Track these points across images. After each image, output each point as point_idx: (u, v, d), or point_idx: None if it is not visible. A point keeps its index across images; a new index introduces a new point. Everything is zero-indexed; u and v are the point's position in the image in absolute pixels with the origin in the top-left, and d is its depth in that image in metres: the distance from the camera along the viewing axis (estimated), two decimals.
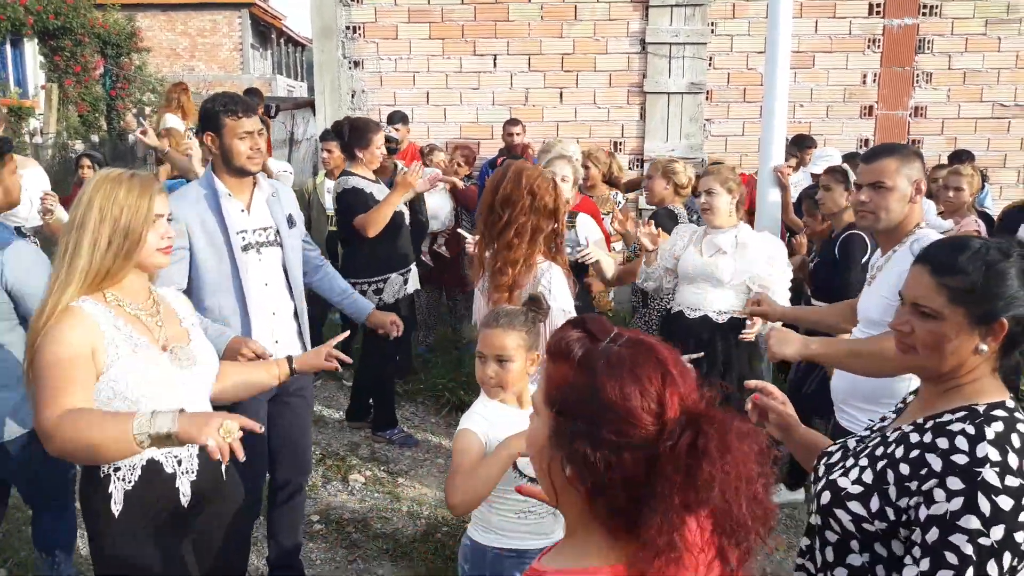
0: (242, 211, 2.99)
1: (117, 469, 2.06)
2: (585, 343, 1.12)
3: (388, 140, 6.01)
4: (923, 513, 1.43)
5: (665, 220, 4.57)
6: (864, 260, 3.95)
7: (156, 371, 2.07)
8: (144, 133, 5.28)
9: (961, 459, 1.44)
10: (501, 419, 2.35)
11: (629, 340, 1.13)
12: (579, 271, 4.03)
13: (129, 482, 2.07)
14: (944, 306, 1.54)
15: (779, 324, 3.20)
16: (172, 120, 7.07)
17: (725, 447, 1.04)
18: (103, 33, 14.51)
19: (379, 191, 4.73)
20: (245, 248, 2.96)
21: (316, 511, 4.11)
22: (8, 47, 13.95)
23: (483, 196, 3.01)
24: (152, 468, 2.10)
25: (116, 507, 2.06)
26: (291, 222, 3.14)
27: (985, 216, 5.36)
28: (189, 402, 2.14)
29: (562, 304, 2.84)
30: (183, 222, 2.83)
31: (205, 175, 3.02)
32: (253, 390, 2.52)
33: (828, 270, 4.15)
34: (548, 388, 1.14)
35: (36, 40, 14.08)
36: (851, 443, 1.74)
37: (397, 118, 6.91)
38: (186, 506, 2.15)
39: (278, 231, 3.08)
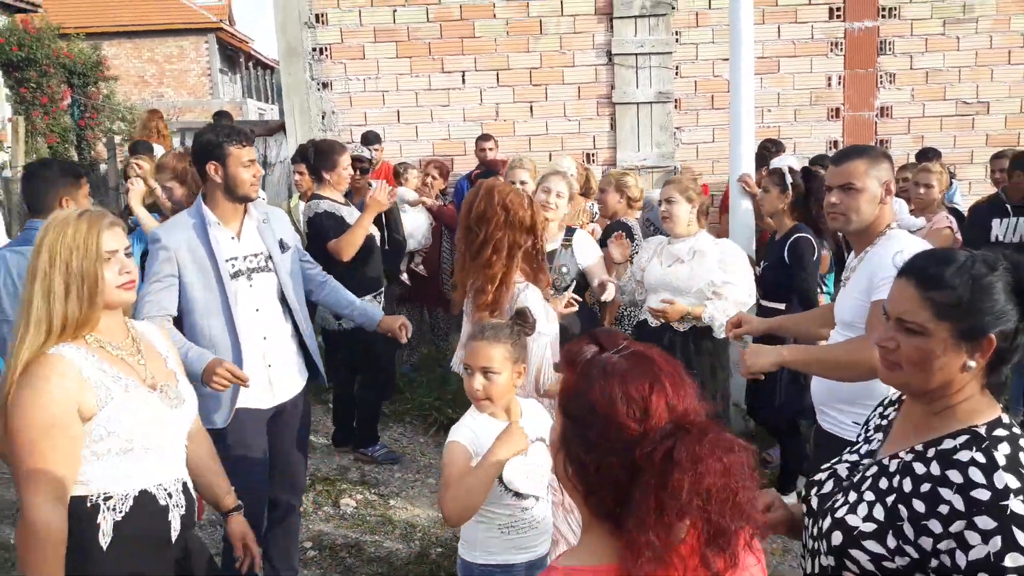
0: (232, 238, 3.02)
1: (108, 498, 2.01)
2: (591, 353, 1.20)
3: (360, 160, 6.02)
4: (962, 559, 1.38)
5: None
6: (815, 258, 4.04)
7: (147, 410, 2.06)
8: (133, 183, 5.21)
9: (982, 494, 1.39)
10: (489, 431, 2.39)
11: (630, 351, 1.19)
12: (579, 290, 4.08)
13: (120, 512, 2.02)
14: (929, 321, 1.49)
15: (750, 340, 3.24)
16: (160, 151, 7.05)
17: (697, 457, 1.09)
18: (68, 63, 14.38)
19: (349, 213, 4.72)
20: (235, 275, 2.99)
21: (308, 537, 4.11)
22: None
23: (460, 218, 3.05)
24: (144, 499, 2.06)
25: (104, 539, 2.00)
26: (283, 246, 3.16)
27: (955, 212, 5.46)
28: (175, 441, 2.16)
29: (539, 327, 2.84)
30: (172, 250, 2.89)
31: (195, 205, 3.05)
32: (205, 491, 2.42)
33: (776, 273, 4.20)
34: (559, 393, 1.24)
35: (0, 72, 13.95)
36: (841, 470, 1.69)
37: (372, 138, 6.93)
38: (172, 541, 2.13)
39: (270, 256, 3.10)
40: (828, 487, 1.68)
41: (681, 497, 1.07)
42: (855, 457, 1.71)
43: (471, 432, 2.39)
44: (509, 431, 2.31)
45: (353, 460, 5.09)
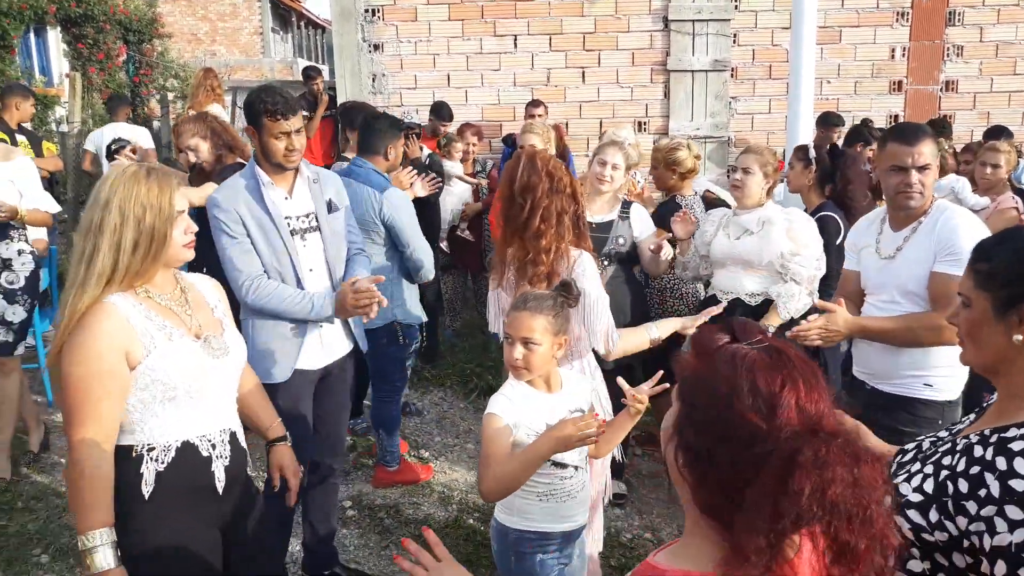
0: (285, 198, 3.03)
1: (151, 449, 2.04)
2: (723, 341, 1.15)
3: (412, 127, 5.99)
4: (987, 543, 1.38)
5: (672, 212, 4.42)
6: (840, 239, 3.90)
7: (191, 359, 2.08)
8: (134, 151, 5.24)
9: (1019, 485, 1.38)
10: (527, 402, 2.40)
11: (766, 344, 1.12)
12: (631, 261, 4.02)
13: (162, 463, 2.06)
14: (971, 291, 1.53)
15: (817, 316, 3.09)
16: (217, 109, 7.13)
17: (823, 461, 1.00)
18: (125, 20, 14.55)
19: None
20: (292, 233, 3.01)
21: (348, 497, 4.15)
22: (32, 36, 14.03)
23: (500, 191, 3.01)
24: (187, 450, 2.09)
25: (147, 488, 2.04)
26: (331, 207, 3.15)
27: (1021, 192, 5.26)
28: (219, 390, 2.18)
29: (596, 292, 2.87)
30: (235, 211, 2.91)
31: (248, 165, 3.08)
32: (251, 421, 2.48)
33: None
34: (680, 379, 1.18)
35: (59, 28, 14.16)
36: (925, 443, 1.70)
37: (444, 115, 6.76)
38: (220, 492, 2.16)
39: (318, 216, 3.10)
40: (909, 455, 1.70)
41: (801, 502, 0.98)
42: (944, 433, 1.71)
43: (509, 403, 2.38)
44: (562, 428, 2.22)
45: None
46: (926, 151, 2.72)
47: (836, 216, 3.99)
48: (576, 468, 2.47)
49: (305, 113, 7.24)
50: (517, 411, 2.37)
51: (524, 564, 2.49)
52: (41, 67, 14.32)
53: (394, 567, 3.63)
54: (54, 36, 14.34)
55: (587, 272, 2.89)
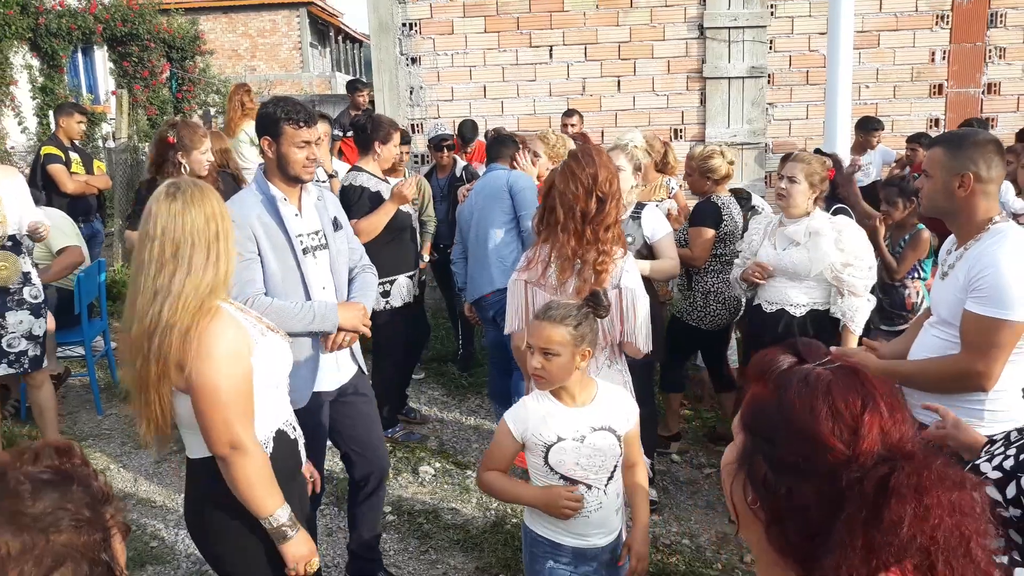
0: (296, 215, 2.98)
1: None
2: (791, 364, 1.06)
3: (444, 139, 6.07)
4: None
5: (707, 211, 4.40)
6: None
7: (280, 350, 2.25)
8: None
9: None
10: (543, 413, 2.41)
11: (839, 365, 1.04)
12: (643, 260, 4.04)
13: (267, 453, 2.19)
14: None
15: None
16: (251, 128, 7.26)
17: (922, 487, 0.91)
18: (168, 38, 14.92)
19: (386, 190, 4.64)
20: (304, 251, 2.96)
21: (388, 502, 4.20)
22: (80, 55, 14.45)
23: (570, 187, 2.94)
24: (281, 438, 2.25)
25: None
26: (336, 225, 3.13)
27: None
28: (286, 377, 2.32)
29: (641, 290, 2.96)
30: (248, 227, 2.81)
31: (257, 180, 2.98)
32: None
33: None
34: (744, 408, 1.09)
35: (105, 48, 14.55)
36: (1013, 434, 1.71)
37: (468, 135, 6.82)
38: (302, 469, 2.36)
39: (326, 234, 3.08)
40: (996, 444, 1.72)
41: (900, 533, 0.89)
42: None
43: (523, 410, 2.44)
44: (553, 494, 2.39)
45: (431, 429, 5.18)
46: (928, 157, 2.60)
47: (846, 207, 4.04)
48: (589, 487, 2.42)
49: (337, 133, 7.38)
50: (529, 420, 2.41)
51: (536, 567, 2.52)
52: (88, 85, 14.73)
53: (433, 572, 3.67)
54: (101, 55, 14.75)
55: (633, 270, 2.94)
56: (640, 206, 4.04)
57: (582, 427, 2.40)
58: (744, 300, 4.35)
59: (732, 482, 1.07)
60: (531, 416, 2.41)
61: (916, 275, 4.60)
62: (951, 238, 2.79)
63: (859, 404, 0.97)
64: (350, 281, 3.20)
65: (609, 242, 2.90)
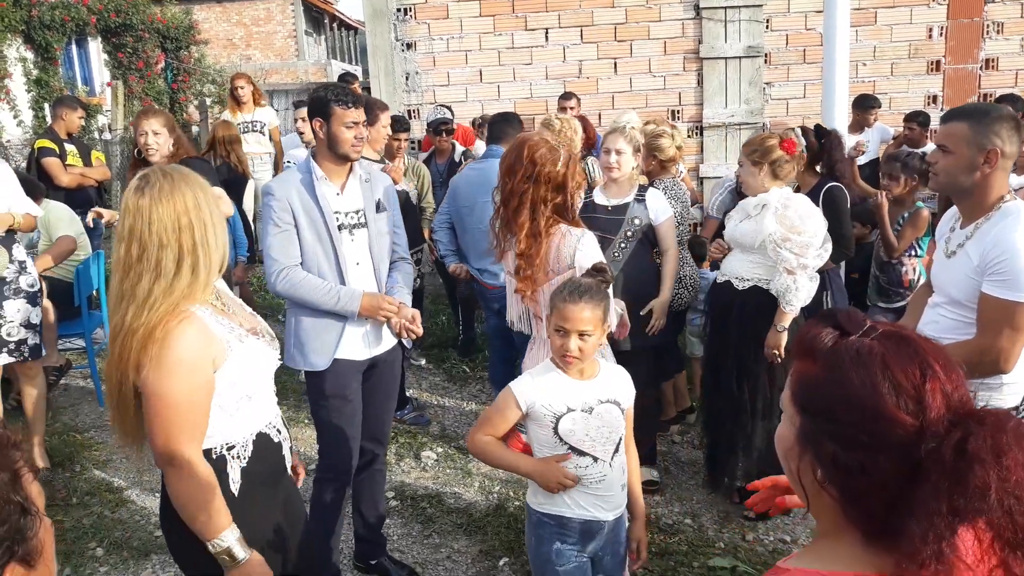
0: (337, 194, 3.14)
1: (231, 447, 2.06)
2: (833, 338, 1.05)
3: (444, 122, 6.05)
4: None
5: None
6: (848, 206, 4.00)
7: (260, 356, 2.12)
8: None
9: None
10: (552, 385, 2.43)
11: (883, 332, 1.04)
12: (650, 246, 4.02)
13: (244, 459, 2.09)
14: None
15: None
16: (265, 114, 7.44)
17: (1000, 449, 0.92)
18: (162, 28, 14.86)
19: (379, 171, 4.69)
20: (339, 228, 3.12)
21: (391, 488, 4.22)
22: (74, 47, 14.39)
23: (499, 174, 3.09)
24: (262, 440, 2.13)
25: (235, 486, 2.06)
26: (379, 207, 3.24)
27: None
28: (272, 374, 2.23)
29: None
30: (286, 200, 3.03)
31: (304, 160, 3.19)
32: None
33: None
34: (794, 386, 1.08)
35: (99, 39, 14.49)
36: None
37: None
38: (287, 471, 2.27)
39: (366, 214, 3.19)
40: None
41: (989, 497, 0.91)
42: None
43: (530, 381, 2.46)
44: (551, 467, 2.41)
45: (432, 414, 5.19)
46: (947, 132, 2.52)
47: (840, 184, 4.01)
48: (595, 460, 2.44)
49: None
50: (537, 391, 2.43)
51: (542, 549, 2.52)
52: (83, 77, 14.67)
53: (437, 556, 3.69)
54: (95, 47, 14.69)
55: (587, 251, 2.92)
56: (644, 188, 4.04)
57: (589, 399, 2.43)
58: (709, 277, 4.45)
59: (798, 464, 1.06)
60: (539, 387, 2.43)
61: (913, 252, 4.60)
62: (949, 214, 2.76)
63: (918, 373, 0.98)
64: (390, 271, 3.32)
65: (517, 229, 2.96)
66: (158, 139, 4.22)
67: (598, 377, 2.49)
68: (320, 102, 3.07)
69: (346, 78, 8.98)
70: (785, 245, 3.49)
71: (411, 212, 4.92)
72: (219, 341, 1.98)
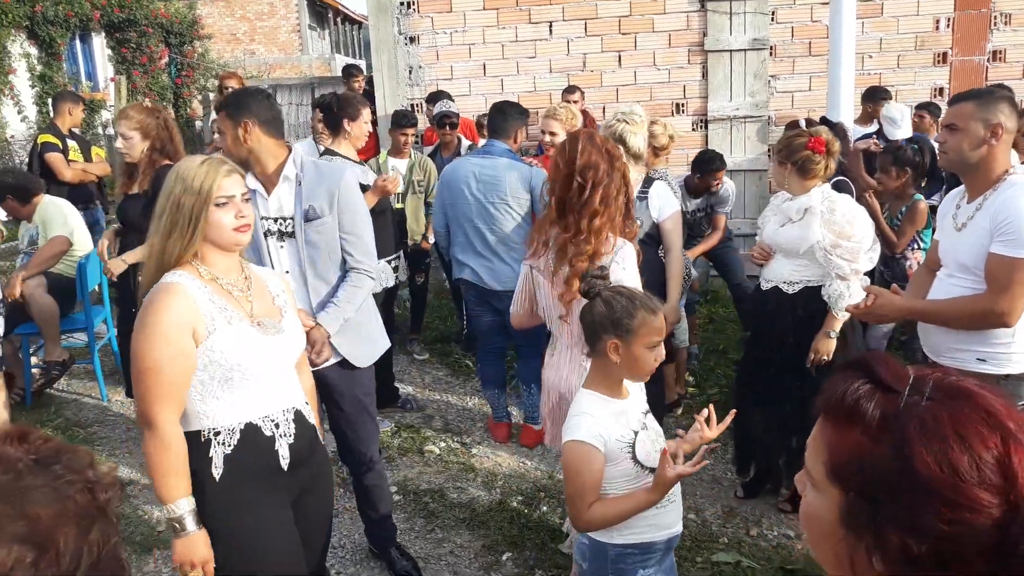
0: (263, 198, 2.94)
1: (217, 433, 2.14)
2: (879, 400, 0.88)
3: (448, 116, 6.02)
4: None
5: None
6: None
7: (246, 341, 2.15)
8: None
9: None
10: (614, 413, 2.29)
11: (939, 388, 0.88)
12: (655, 244, 3.95)
13: (229, 446, 2.15)
14: None
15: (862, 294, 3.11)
16: None
17: None
18: (166, 23, 14.86)
19: (363, 172, 4.49)
20: (266, 235, 2.97)
21: (394, 482, 4.20)
22: (78, 43, 14.38)
23: (555, 168, 2.97)
24: (251, 432, 2.18)
25: (217, 471, 2.14)
26: (310, 214, 2.95)
27: None
28: (276, 369, 2.23)
29: (633, 285, 2.80)
30: None
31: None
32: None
33: None
34: (833, 458, 0.91)
35: (103, 34, 14.49)
36: None
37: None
38: (286, 468, 2.24)
39: (295, 222, 2.97)
40: None
41: None
42: None
43: (592, 420, 2.25)
44: (664, 477, 2.17)
45: (436, 409, 5.17)
46: (955, 111, 2.70)
47: (847, 179, 3.97)
48: (653, 471, 2.31)
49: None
50: (604, 427, 2.24)
51: None
52: (87, 72, 14.67)
53: (440, 551, 3.67)
54: (99, 42, 14.68)
55: (626, 263, 2.87)
56: (648, 182, 3.94)
57: (638, 414, 2.35)
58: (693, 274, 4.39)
59: (846, 552, 0.89)
60: (603, 422, 2.25)
61: (916, 246, 4.56)
62: (953, 193, 2.92)
63: (997, 441, 0.83)
64: (340, 282, 3.07)
65: (592, 232, 2.84)
66: (128, 143, 4.19)
67: (631, 391, 2.39)
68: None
69: (350, 70, 8.96)
70: (836, 252, 3.37)
71: (386, 219, 4.65)
72: (202, 316, 2.08)
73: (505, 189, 4.30)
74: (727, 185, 5.34)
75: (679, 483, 2.32)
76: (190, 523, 2.09)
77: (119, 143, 4.19)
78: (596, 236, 2.83)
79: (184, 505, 2.09)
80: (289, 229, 2.97)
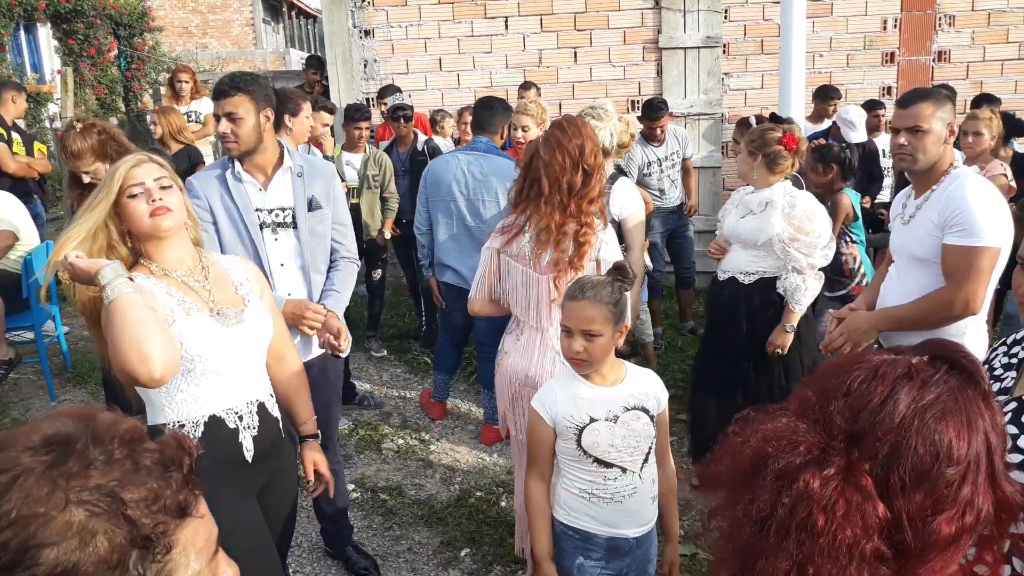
0: (259, 190, 2.97)
1: (181, 426, 2.12)
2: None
3: (402, 108, 5.98)
4: None
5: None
6: None
7: (205, 332, 2.14)
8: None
9: None
10: (575, 394, 2.32)
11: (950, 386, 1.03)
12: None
13: (193, 439, 2.10)
14: None
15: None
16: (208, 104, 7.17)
17: None
18: (115, 14, 14.49)
19: None
20: (261, 227, 2.97)
21: (351, 480, 4.18)
22: (22, 33, 13.98)
23: (552, 156, 2.92)
24: (214, 424, 2.17)
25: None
26: (313, 204, 3.05)
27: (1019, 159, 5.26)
28: (239, 360, 2.21)
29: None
30: (204, 198, 2.91)
31: (225, 155, 3.03)
32: (287, 412, 2.52)
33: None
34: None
35: (49, 25, 14.10)
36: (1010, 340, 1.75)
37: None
38: (250, 461, 2.23)
39: (295, 213, 3.01)
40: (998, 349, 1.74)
41: None
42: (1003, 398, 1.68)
43: (551, 393, 2.36)
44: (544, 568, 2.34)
45: (393, 406, 5.15)
46: (917, 113, 2.76)
47: (800, 179, 4.04)
48: (624, 471, 2.33)
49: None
50: (558, 402, 2.32)
51: (564, 563, 2.41)
52: (33, 64, 14.25)
53: (398, 548, 3.66)
54: (45, 33, 14.27)
55: (612, 243, 2.94)
56: (612, 178, 3.88)
57: (614, 407, 2.32)
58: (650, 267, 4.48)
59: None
60: (560, 398, 2.32)
61: (849, 239, 4.61)
62: (902, 193, 3.02)
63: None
64: (329, 271, 3.15)
65: (592, 215, 2.90)
66: (95, 174, 3.91)
67: (624, 383, 2.37)
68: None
69: (311, 63, 8.85)
70: (793, 245, 3.48)
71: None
72: (161, 308, 2.07)
73: (495, 186, 4.32)
74: (672, 129, 5.93)
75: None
76: (122, 284, 1.96)
77: (87, 179, 3.96)
78: (591, 229, 2.91)
79: (109, 272, 1.96)
80: (287, 220, 3.01)
